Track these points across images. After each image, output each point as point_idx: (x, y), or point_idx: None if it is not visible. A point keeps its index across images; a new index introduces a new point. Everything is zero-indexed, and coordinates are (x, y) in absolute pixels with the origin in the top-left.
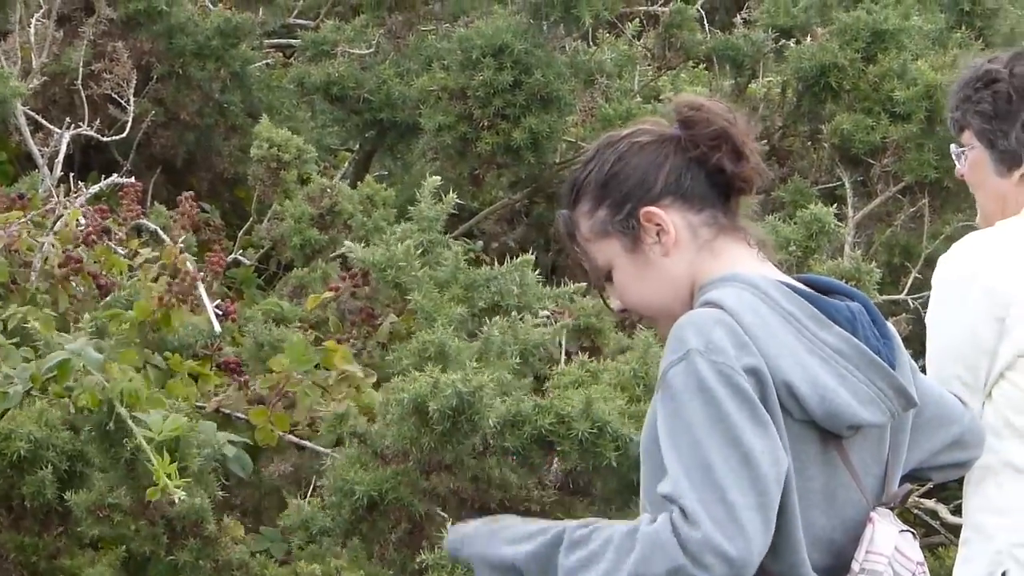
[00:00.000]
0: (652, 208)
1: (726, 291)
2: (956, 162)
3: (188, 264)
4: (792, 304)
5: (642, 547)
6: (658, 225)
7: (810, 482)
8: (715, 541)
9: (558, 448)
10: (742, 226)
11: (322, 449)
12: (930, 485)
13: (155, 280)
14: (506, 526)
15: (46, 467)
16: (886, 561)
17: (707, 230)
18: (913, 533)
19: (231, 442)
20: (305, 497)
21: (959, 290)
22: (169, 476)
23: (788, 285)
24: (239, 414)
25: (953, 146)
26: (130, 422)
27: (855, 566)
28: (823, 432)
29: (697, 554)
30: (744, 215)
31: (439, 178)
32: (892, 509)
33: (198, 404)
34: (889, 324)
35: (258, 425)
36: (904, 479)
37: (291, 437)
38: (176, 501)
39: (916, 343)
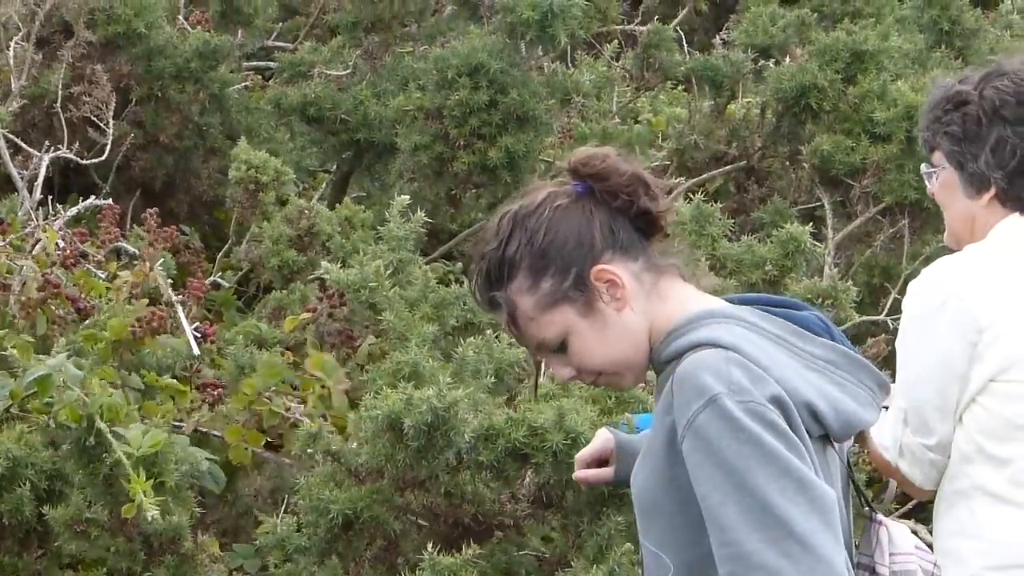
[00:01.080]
0: (601, 266)
1: (714, 329)
2: (927, 182)
3: (161, 282)
4: (774, 326)
5: None
6: (609, 281)
7: None
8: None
9: (532, 460)
10: (671, 263)
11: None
12: (909, 505)
13: (129, 301)
14: None
15: (24, 485)
16: (915, 560)
17: (648, 275)
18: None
19: (207, 458)
20: (280, 514)
21: (931, 315)
22: (145, 493)
23: (759, 308)
24: (215, 432)
25: (924, 166)
26: (110, 437)
27: (883, 571)
28: (824, 441)
29: None
30: (662, 249)
31: (408, 197)
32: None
33: (175, 423)
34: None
35: (232, 443)
36: None
37: (266, 454)
38: (151, 519)
39: (895, 363)
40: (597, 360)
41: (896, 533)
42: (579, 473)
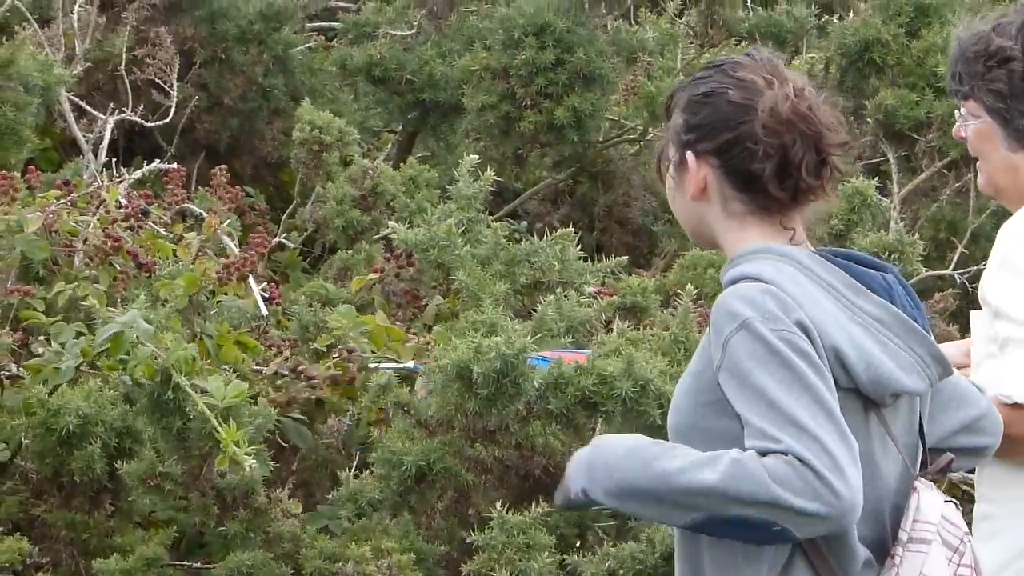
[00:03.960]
0: (692, 157)
1: (763, 264)
2: (961, 129)
3: (226, 240)
4: (829, 274)
5: (730, 470)
6: (688, 172)
7: None
8: (828, 479)
9: (602, 409)
10: (786, 224)
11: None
12: None
13: (195, 257)
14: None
15: (95, 442)
16: (934, 529)
17: (739, 206)
18: (956, 504)
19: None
20: (353, 467)
21: None
22: (237, 444)
23: (822, 255)
24: None
25: (963, 112)
26: (190, 390)
27: (902, 535)
28: (864, 401)
29: (811, 490)
30: (805, 218)
31: (477, 156)
32: (934, 481)
33: (255, 368)
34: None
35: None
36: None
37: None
38: (248, 468)
39: (963, 318)
40: (674, 210)
41: (926, 502)
42: None
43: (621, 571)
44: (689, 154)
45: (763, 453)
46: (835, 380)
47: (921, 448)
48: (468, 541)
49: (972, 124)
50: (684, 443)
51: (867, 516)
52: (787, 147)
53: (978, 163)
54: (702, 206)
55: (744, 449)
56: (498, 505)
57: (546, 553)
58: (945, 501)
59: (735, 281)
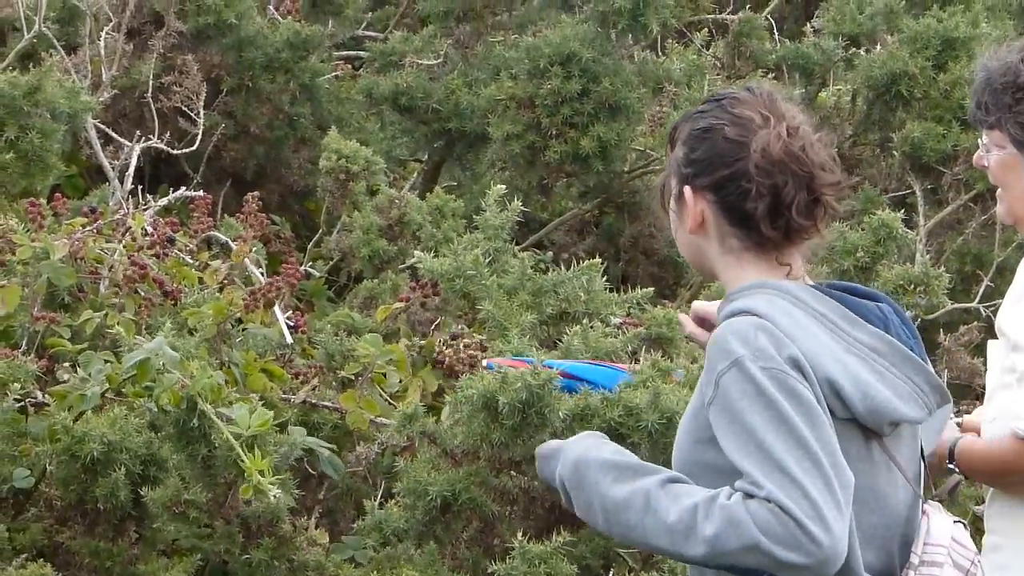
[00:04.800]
0: (690, 191)
1: (757, 298)
2: (983, 158)
3: (252, 268)
4: (823, 305)
5: (719, 519)
6: (686, 206)
7: (856, 478)
8: (808, 528)
9: (628, 440)
10: (782, 261)
11: None
12: None
13: (222, 284)
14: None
15: (119, 469)
16: (945, 552)
17: (736, 242)
18: (964, 524)
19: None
20: (378, 497)
21: None
22: (262, 473)
23: (818, 288)
24: (326, 403)
25: (985, 141)
26: (215, 418)
27: (914, 559)
28: (864, 430)
29: (792, 539)
30: (803, 255)
31: (504, 187)
32: (941, 503)
33: (284, 396)
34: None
35: (348, 410)
36: None
37: (382, 419)
38: (273, 498)
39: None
40: (676, 240)
41: (936, 525)
42: (689, 327)
43: None
44: (687, 188)
45: (748, 495)
46: (831, 411)
47: (925, 473)
48: (490, 571)
49: (996, 154)
50: (696, 469)
51: (875, 544)
52: (779, 187)
53: (998, 192)
54: (701, 240)
55: (734, 487)
56: (519, 535)
57: None
58: (955, 522)
59: (731, 316)
